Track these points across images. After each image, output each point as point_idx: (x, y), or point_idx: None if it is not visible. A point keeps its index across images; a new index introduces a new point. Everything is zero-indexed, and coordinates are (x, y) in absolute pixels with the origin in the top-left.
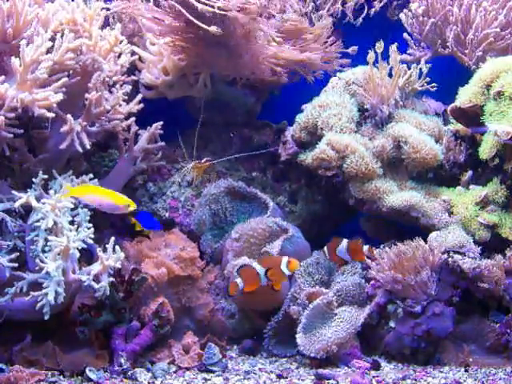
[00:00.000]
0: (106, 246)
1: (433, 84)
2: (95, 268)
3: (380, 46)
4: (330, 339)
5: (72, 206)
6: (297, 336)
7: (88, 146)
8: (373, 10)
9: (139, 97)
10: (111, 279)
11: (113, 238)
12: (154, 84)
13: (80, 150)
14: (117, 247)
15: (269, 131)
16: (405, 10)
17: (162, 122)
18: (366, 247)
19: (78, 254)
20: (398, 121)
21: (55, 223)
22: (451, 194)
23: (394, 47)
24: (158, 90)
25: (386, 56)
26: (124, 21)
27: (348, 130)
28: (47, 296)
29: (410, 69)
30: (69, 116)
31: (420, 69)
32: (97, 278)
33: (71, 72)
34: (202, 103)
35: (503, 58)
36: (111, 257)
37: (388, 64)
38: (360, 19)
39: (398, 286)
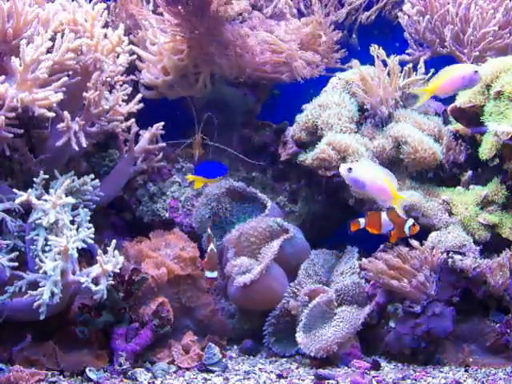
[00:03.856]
0: (107, 248)
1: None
2: (94, 270)
3: (375, 49)
4: (329, 339)
5: (73, 202)
6: (297, 335)
7: (85, 145)
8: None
9: (139, 96)
10: (110, 282)
11: (114, 241)
12: (154, 84)
13: (76, 148)
14: (116, 252)
15: (269, 131)
16: (400, 13)
17: (163, 123)
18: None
19: (76, 255)
20: (398, 121)
21: (56, 221)
22: (451, 194)
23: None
24: (158, 90)
25: (389, 55)
26: (122, 17)
27: (348, 130)
28: (43, 295)
29: (415, 69)
30: (66, 113)
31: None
32: (96, 280)
33: (71, 72)
34: (192, 103)
35: (503, 58)
36: (110, 260)
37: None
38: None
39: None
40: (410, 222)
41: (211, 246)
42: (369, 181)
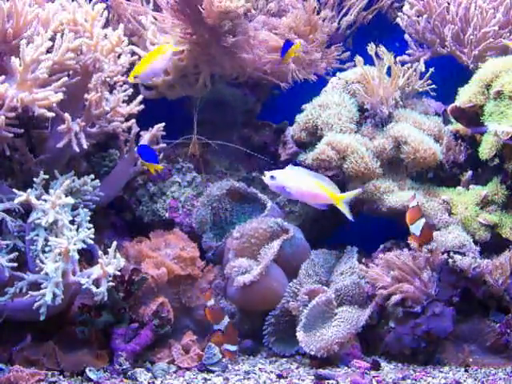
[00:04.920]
0: (108, 249)
1: (433, 86)
2: (95, 272)
3: (372, 48)
4: (330, 339)
5: (73, 202)
6: (297, 334)
7: (85, 147)
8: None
9: (140, 98)
10: (111, 284)
11: (115, 243)
12: (154, 84)
13: (77, 150)
14: (117, 254)
15: (269, 131)
16: (400, 13)
17: (163, 124)
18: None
19: (77, 256)
20: (398, 121)
21: (55, 221)
22: (451, 194)
23: (383, 49)
24: (158, 90)
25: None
26: (123, 21)
27: (348, 130)
28: (45, 297)
29: (415, 69)
30: (66, 115)
31: (421, 69)
32: (96, 282)
33: (71, 72)
34: (192, 103)
35: (503, 58)
36: (111, 262)
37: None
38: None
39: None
40: (432, 245)
41: (226, 318)
42: (294, 186)
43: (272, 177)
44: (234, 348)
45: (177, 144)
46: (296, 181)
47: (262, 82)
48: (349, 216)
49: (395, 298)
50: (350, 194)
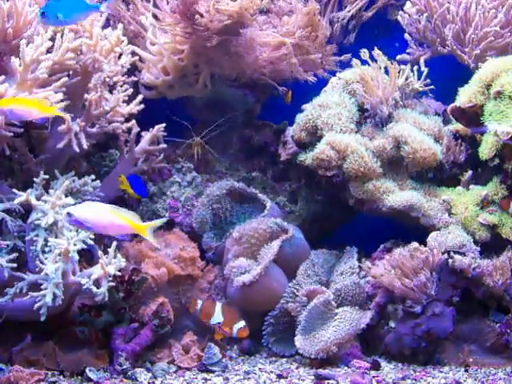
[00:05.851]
0: (108, 249)
1: (432, 86)
2: (95, 272)
3: (364, 54)
4: (329, 340)
5: (73, 202)
6: (295, 339)
7: (85, 147)
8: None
9: (140, 97)
10: (112, 284)
11: (115, 243)
12: (154, 84)
13: (77, 150)
14: (118, 255)
15: (269, 131)
16: (401, 12)
17: (164, 124)
18: None
19: (77, 257)
20: (398, 121)
21: (55, 222)
22: (451, 194)
23: (377, 51)
24: (158, 90)
25: (390, 56)
26: (124, 23)
27: (348, 130)
28: (45, 298)
29: (412, 69)
30: (66, 115)
31: (419, 69)
32: (97, 282)
33: (71, 72)
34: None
35: (503, 58)
36: (112, 262)
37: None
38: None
39: (397, 291)
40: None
41: (217, 304)
42: (94, 221)
43: (68, 213)
44: (242, 323)
45: (177, 144)
46: (95, 214)
47: (261, 82)
48: (155, 244)
49: (390, 279)
50: (154, 223)
